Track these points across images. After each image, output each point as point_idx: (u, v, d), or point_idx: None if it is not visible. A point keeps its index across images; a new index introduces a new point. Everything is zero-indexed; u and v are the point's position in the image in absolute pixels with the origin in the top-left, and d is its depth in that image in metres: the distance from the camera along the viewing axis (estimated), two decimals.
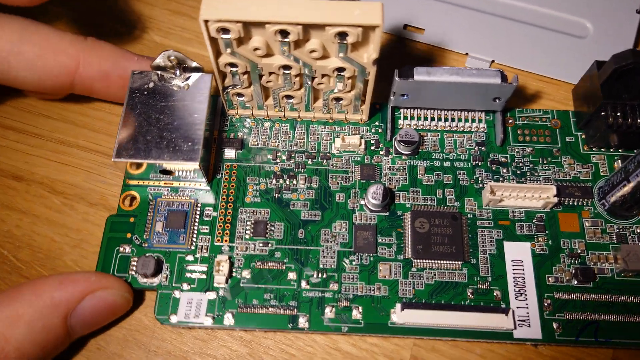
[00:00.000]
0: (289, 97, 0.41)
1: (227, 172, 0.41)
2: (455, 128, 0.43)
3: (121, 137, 0.38)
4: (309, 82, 0.38)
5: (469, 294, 0.37)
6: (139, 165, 0.39)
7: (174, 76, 0.40)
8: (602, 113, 0.39)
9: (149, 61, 0.40)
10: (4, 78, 0.39)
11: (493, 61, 0.47)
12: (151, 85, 0.39)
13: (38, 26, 0.39)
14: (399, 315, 0.36)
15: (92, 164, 0.43)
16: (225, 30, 0.34)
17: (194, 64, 0.39)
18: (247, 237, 0.39)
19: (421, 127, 0.43)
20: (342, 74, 0.37)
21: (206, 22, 0.33)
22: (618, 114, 0.39)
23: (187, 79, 0.40)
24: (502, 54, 0.47)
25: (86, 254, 0.40)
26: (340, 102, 0.41)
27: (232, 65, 0.37)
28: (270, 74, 0.38)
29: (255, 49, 0.35)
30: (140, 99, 0.39)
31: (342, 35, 0.33)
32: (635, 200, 0.37)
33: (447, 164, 0.42)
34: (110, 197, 0.42)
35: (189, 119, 0.38)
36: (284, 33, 0.33)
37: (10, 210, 0.41)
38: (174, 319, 0.37)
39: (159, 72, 0.40)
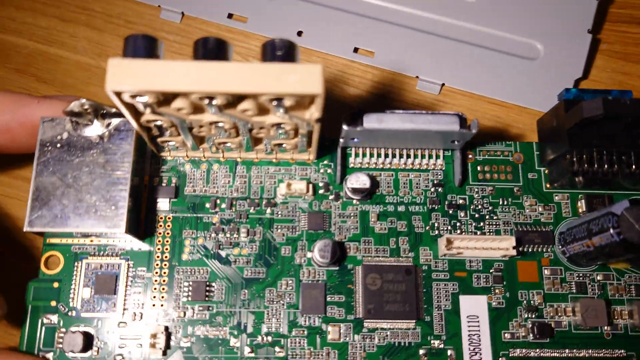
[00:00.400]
0: (225, 142, 0.36)
1: (160, 226, 0.37)
2: (411, 166, 0.39)
3: (33, 203, 0.33)
4: (247, 133, 0.34)
5: (421, 355, 0.36)
6: None
7: (90, 124, 0.35)
8: (567, 157, 0.36)
9: (53, 102, 0.35)
10: None
11: (444, 84, 0.44)
12: (65, 135, 0.34)
13: None
14: None
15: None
16: (140, 95, 0.29)
17: (113, 110, 0.34)
18: (184, 299, 0.36)
19: (374, 165, 0.39)
20: (282, 126, 0.33)
21: (116, 92, 0.28)
22: (584, 160, 0.36)
23: (108, 125, 0.35)
24: (452, 77, 0.44)
25: None
26: (283, 146, 0.36)
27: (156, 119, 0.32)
28: (202, 126, 0.33)
29: (180, 109, 0.30)
30: (53, 154, 0.34)
31: (279, 99, 0.29)
32: (599, 255, 0.35)
33: (401, 208, 0.38)
34: None
35: (111, 177, 0.34)
36: (210, 97, 0.29)
37: None
38: None
39: (72, 119, 0.34)
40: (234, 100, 0.30)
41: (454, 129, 0.35)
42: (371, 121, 0.34)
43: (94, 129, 0.35)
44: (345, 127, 0.34)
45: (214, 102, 0.29)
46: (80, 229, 0.33)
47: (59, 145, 0.34)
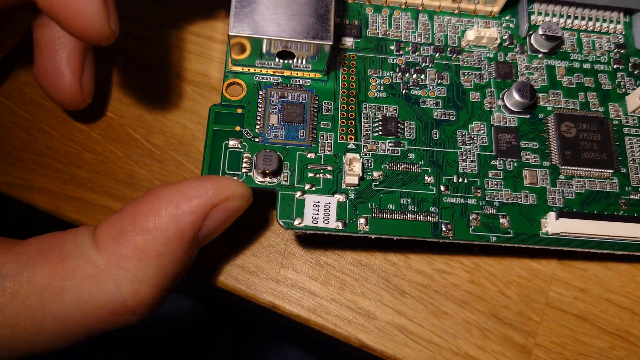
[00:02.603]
0: None
1: (344, 63, 0.35)
2: (592, 28, 0.38)
3: (237, 6, 0.31)
4: None
5: (621, 204, 0.34)
6: (243, 49, 0.33)
7: None
8: None
9: None
10: None
11: None
12: None
13: None
14: (554, 225, 0.32)
15: (223, 55, 0.39)
16: None
17: None
18: (375, 135, 0.34)
19: (555, 24, 0.38)
20: None
21: None
22: None
23: None
24: None
25: None
26: None
27: None
28: None
29: None
30: None
31: None
32: None
33: (586, 65, 0.37)
34: None
35: None
36: None
37: None
38: (298, 222, 0.31)
39: None
40: None
41: None
42: None
43: None
44: None
45: None
46: (288, 38, 0.31)
47: None
